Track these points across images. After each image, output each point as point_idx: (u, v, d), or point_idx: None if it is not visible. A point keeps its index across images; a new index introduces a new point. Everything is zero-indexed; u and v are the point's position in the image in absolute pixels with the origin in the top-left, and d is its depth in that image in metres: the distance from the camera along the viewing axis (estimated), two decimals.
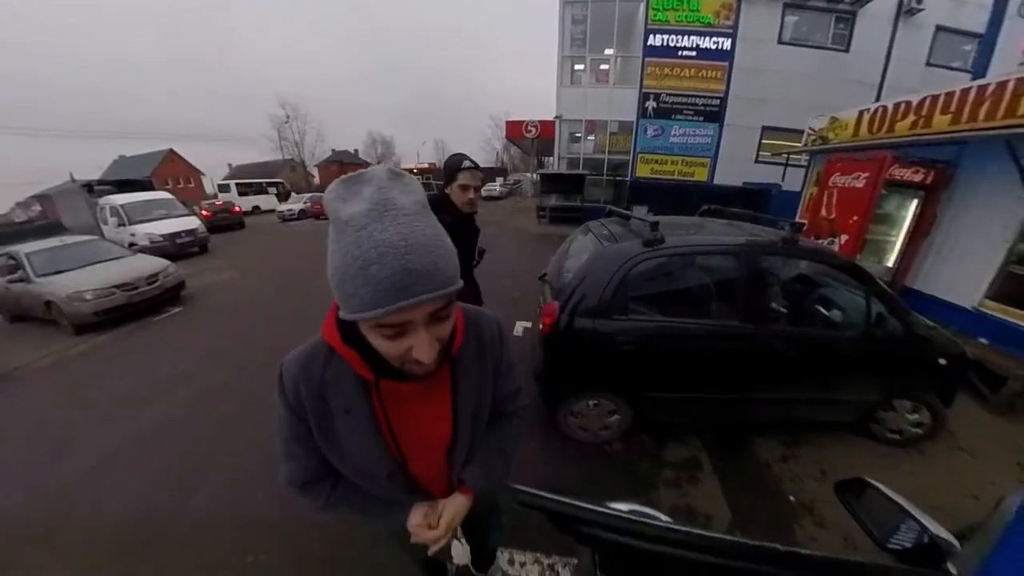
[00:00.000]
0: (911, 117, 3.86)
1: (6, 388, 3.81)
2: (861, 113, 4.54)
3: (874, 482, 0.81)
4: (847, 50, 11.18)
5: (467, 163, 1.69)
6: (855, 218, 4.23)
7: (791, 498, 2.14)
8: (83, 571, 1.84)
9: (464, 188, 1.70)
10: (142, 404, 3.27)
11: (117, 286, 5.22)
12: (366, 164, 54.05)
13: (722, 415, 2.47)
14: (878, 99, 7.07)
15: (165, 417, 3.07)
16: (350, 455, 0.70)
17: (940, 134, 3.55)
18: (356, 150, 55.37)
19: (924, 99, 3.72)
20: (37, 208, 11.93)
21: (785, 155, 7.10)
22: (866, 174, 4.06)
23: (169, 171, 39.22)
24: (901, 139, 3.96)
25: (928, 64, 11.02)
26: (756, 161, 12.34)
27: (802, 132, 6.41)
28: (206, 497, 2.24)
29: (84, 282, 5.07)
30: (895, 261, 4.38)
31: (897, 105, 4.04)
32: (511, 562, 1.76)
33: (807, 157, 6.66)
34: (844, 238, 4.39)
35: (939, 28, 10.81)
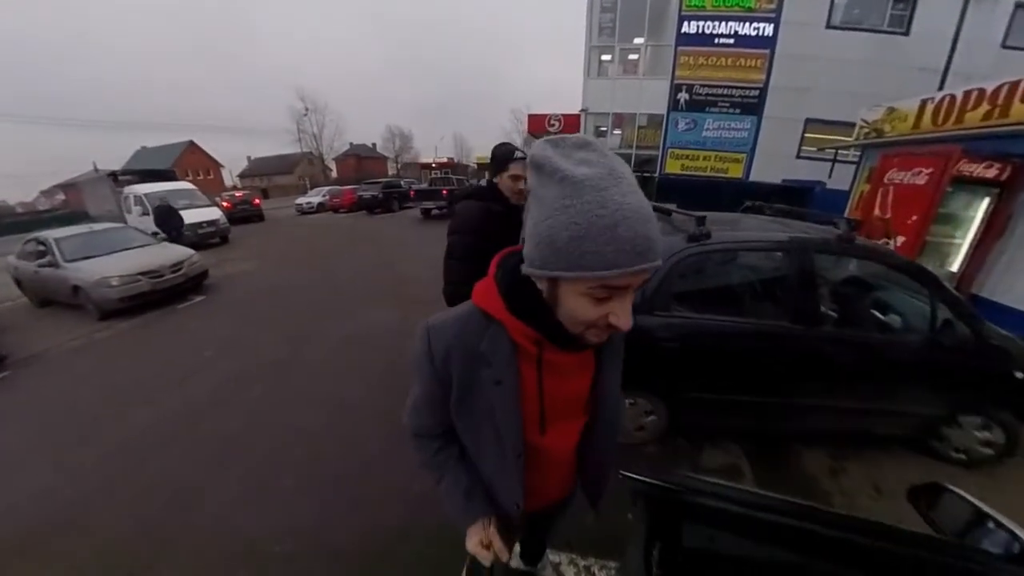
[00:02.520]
0: (984, 106, 3.65)
1: (35, 368, 4.08)
2: (924, 103, 4.32)
3: (953, 488, 0.78)
4: (907, 33, 10.61)
5: (519, 153, 1.75)
6: (914, 218, 4.03)
7: None
8: (108, 552, 1.93)
9: (515, 178, 1.75)
10: (166, 388, 3.44)
11: (143, 273, 5.51)
12: (384, 158, 55.19)
13: (766, 421, 2.39)
14: (942, 86, 6.67)
15: (189, 402, 3.21)
16: (488, 430, 0.75)
17: (1020, 124, 3.33)
18: (374, 144, 56.51)
19: (1001, 86, 3.51)
20: (60, 197, 12.75)
21: (833, 150, 6.83)
22: (929, 170, 3.85)
23: (189, 163, 40.94)
24: (972, 131, 3.74)
25: (1004, 46, 10.22)
26: (798, 157, 11.94)
27: (852, 125, 6.18)
28: (228, 484, 2.32)
29: (111, 268, 5.37)
30: (960, 266, 4.14)
31: (968, 93, 3.82)
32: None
33: (857, 152, 6.40)
34: (900, 239, 4.18)
35: (1019, 5, 10.01)
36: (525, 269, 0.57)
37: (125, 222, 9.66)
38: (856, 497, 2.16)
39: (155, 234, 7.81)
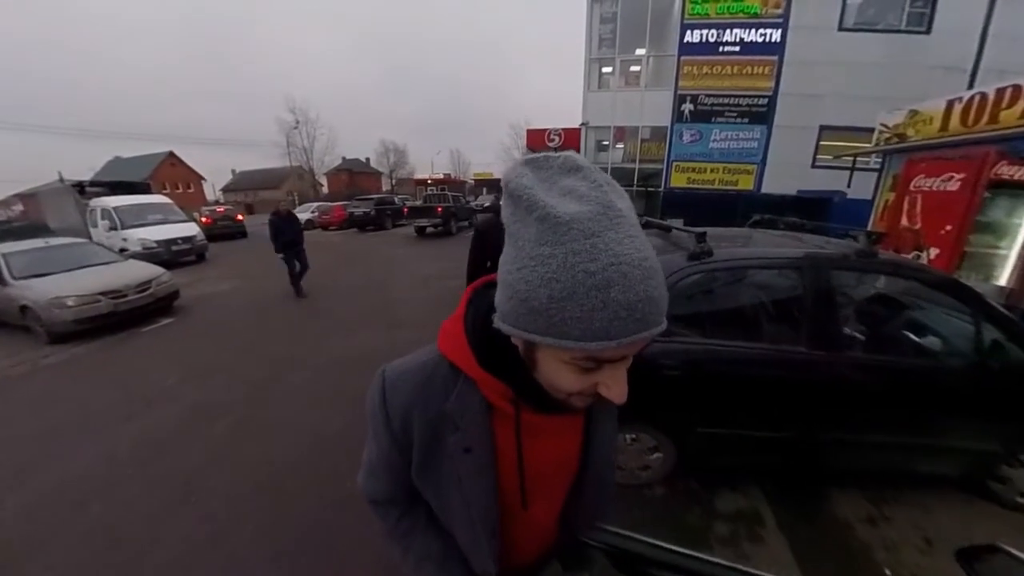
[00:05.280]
0: (1021, 103, 3.60)
1: None
2: (951, 103, 4.30)
3: (1014, 551, 0.71)
4: (928, 31, 10.69)
5: None
6: (948, 228, 3.93)
7: (887, 571, 1.87)
8: None
9: None
10: (119, 422, 3.26)
11: (103, 293, 5.38)
12: (378, 173, 56.26)
13: (789, 459, 2.23)
14: (972, 85, 6.63)
15: (144, 437, 3.04)
16: (456, 502, 0.66)
17: None
18: (368, 159, 57.77)
19: None
20: (19, 208, 12.64)
21: (851, 157, 6.81)
22: (961, 175, 3.78)
23: (168, 175, 41.69)
24: (1009, 131, 3.67)
25: None
26: (813, 166, 12.01)
27: (870, 130, 6.19)
28: (176, 538, 2.13)
29: (67, 287, 5.24)
30: (1009, 279, 3.95)
31: (1001, 90, 3.78)
32: None
33: (878, 159, 6.38)
34: (934, 252, 4.07)
35: None
36: (496, 322, 0.48)
37: (90, 237, 9.63)
38: (902, 550, 1.96)
39: (282, 252, 6.79)
